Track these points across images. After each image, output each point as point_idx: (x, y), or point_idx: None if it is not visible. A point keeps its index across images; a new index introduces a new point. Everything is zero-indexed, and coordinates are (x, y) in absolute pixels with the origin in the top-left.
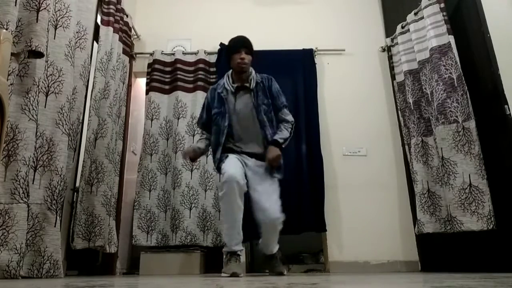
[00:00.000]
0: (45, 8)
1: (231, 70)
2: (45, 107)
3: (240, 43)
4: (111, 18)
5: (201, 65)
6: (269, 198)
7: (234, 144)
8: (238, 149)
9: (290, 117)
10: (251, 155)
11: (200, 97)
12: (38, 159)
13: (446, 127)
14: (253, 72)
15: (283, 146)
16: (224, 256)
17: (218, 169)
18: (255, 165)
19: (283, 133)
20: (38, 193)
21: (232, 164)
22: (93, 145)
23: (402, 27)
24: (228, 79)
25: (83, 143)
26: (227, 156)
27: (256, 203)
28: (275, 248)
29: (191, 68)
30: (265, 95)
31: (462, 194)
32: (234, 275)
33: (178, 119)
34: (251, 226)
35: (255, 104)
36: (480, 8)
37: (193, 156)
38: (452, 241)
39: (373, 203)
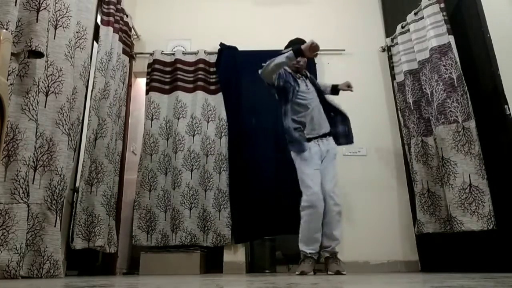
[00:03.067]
0: (45, 8)
1: None
2: (45, 107)
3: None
4: (111, 18)
5: (201, 65)
6: (333, 177)
7: (305, 129)
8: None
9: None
10: (320, 135)
11: (200, 97)
12: (38, 159)
13: (446, 127)
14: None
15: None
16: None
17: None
18: (322, 150)
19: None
20: (38, 193)
21: (316, 179)
22: (93, 145)
23: (402, 27)
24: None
25: (83, 143)
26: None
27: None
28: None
29: (191, 68)
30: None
31: (462, 194)
32: (303, 273)
33: (178, 119)
34: (251, 226)
35: (315, 87)
36: (480, 8)
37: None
38: (452, 241)
39: (373, 203)
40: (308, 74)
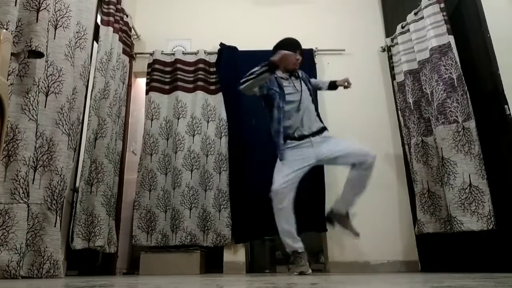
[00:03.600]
0: (45, 8)
1: None
2: (45, 107)
3: (296, 45)
4: (111, 18)
5: (201, 65)
6: (341, 146)
7: (289, 133)
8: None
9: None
10: (309, 134)
11: (200, 97)
12: (38, 159)
13: (446, 127)
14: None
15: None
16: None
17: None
18: (312, 153)
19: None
20: (38, 193)
21: (286, 178)
22: (93, 145)
23: (402, 27)
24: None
25: (83, 143)
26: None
27: (339, 159)
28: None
29: (191, 68)
30: (307, 83)
31: (462, 194)
32: (302, 273)
33: (178, 119)
34: (251, 226)
35: (305, 88)
36: (480, 8)
37: None
38: (452, 241)
39: (373, 203)
40: (301, 74)
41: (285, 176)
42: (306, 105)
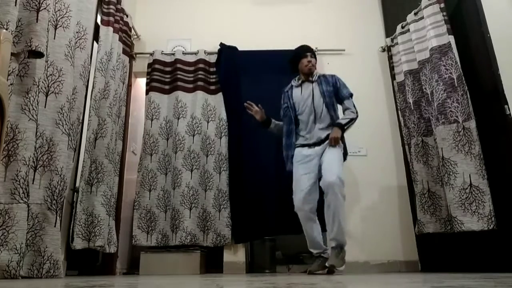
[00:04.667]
0: (45, 8)
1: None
2: (45, 107)
3: (306, 48)
4: (111, 18)
5: (201, 65)
6: (329, 164)
7: (297, 138)
8: (301, 142)
9: (354, 108)
10: (315, 143)
11: (200, 97)
12: (38, 159)
13: (446, 127)
14: (317, 72)
15: (346, 127)
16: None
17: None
18: (318, 151)
19: (346, 118)
20: (38, 193)
21: (300, 183)
22: (93, 145)
23: (402, 27)
24: (296, 78)
25: (83, 143)
26: (297, 163)
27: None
28: (344, 233)
29: (191, 68)
30: (328, 84)
31: (463, 194)
32: (310, 272)
33: (178, 119)
34: (251, 226)
35: (319, 91)
36: (480, 8)
37: (260, 116)
38: (452, 241)
39: (373, 203)
40: (316, 78)
41: (301, 191)
42: (318, 108)
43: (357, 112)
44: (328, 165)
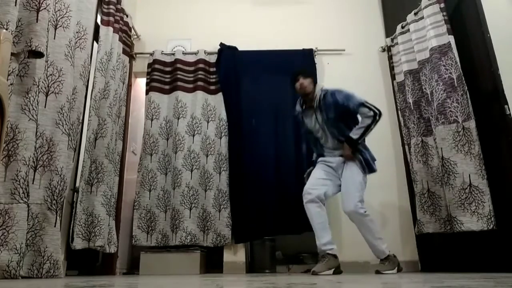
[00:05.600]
0: (45, 8)
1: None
2: (45, 107)
3: (295, 73)
4: (111, 18)
5: (201, 65)
6: (347, 187)
7: (325, 152)
8: (327, 154)
9: (369, 112)
10: (333, 156)
11: (200, 97)
12: (38, 159)
13: (446, 127)
14: (318, 92)
15: (359, 140)
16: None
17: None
18: (340, 162)
19: (357, 130)
20: (38, 193)
21: (312, 178)
22: (93, 145)
23: (402, 27)
24: (298, 102)
25: (83, 143)
26: (317, 164)
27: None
28: (378, 249)
29: (191, 68)
30: (330, 109)
31: (462, 194)
32: (313, 273)
33: (178, 119)
34: (251, 226)
35: (322, 119)
36: (480, 8)
37: None
38: (452, 241)
39: (373, 203)
40: (316, 103)
41: (314, 178)
42: (327, 131)
43: (375, 112)
44: (346, 188)
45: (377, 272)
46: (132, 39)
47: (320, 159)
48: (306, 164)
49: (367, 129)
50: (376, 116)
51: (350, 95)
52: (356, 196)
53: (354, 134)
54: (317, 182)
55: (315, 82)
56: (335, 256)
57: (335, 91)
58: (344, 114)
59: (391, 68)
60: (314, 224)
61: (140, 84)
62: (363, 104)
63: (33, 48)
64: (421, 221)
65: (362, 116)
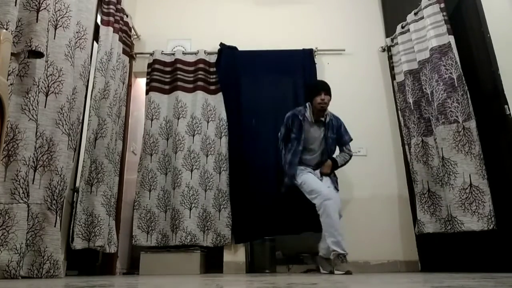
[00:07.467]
0: (45, 8)
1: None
2: (45, 107)
3: (321, 86)
4: (111, 18)
5: (201, 65)
6: (327, 186)
7: (303, 161)
8: (306, 164)
9: (350, 151)
10: (314, 168)
11: (200, 97)
12: (38, 159)
13: (446, 127)
14: (329, 111)
15: (338, 166)
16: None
17: (292, 179)
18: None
19: (342, 157)
20: (38, 193)
21: (319, 183)
22: (93, 145)
23: (402, 27)
24: (308, 109)
25: (83, 143)
26: (303, 171)
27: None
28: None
29: (191, 68)
30: (333, 131)
31: (463, 194)
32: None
33: (178, 119)
34: (251, 226)
35: (325, 136)
36: (480, 8)
37: None
38: (452, 241)
39: (373, 203)
40: (329, 120)
41: (323, 185)
42: (325, 148)
43: (351, 155)
44: (327, 186)
45: (331, 272)
46: (132, 39)
47: (305, 168)
48: None
49: (346, 162)
50: (351, 157)
51: (346, 129)
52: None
53: (340, 159)
54: (327, 186)
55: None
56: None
57: (338, 117)
58: (337, 140)
59: (391, 68)
60: (337, 229)
61: (140, 84)
62: (350, 142)
63: (33, 48)
64: (421, 221)
65: (345, 150)
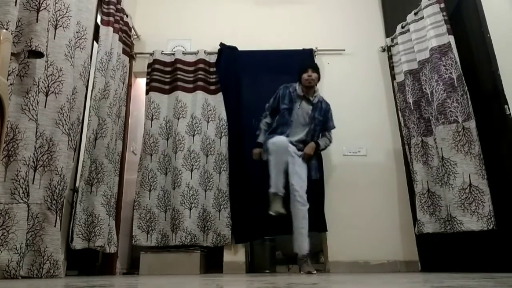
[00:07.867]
0: (45, 8)
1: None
2: (45, 107)
3: (308, 64)
4: (111, 18)
5: (201, 65)
6: (298, 179)
7: (287, 133)
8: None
9: (331, 138)
10: (294, 144)
11: (200, 97)
12: (38, 159)
13: (446, 127)
14: (318, 93)
15: (320, 149)
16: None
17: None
18: (294, 151)
19: (324, 141)
20: (38, 193)
21: (281, 138)
22: (93, 145)
23: (402, 27)
24: (298, 86)
25: (83, 143)
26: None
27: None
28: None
29: (191, 68)
30: (320, 113)
31: (462, 194)
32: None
33: (178, 119)
34: (251, 226)
35: (313, 116)
36: (480, 8)
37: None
38: (452, 241)
39: (373, 203)
40: (317, 100)
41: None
42: (307, 125)
43: (331, 141)
44: (298, 177)
45: (309, 272)
46: (132, 39)
47: (288, 140)
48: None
49: (326, 147)
50: (331, 143)
51: (332, 117)
52: (305, 186)
53: (322, 143)
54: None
55: (319, 80)
56: None
57: (327, 102)
58: (322, 123)
59: (391, 68)
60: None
61: (140, 84)
62: (333, 129)
63: (33, 48)
64: (421, 221)
65: (327, 135)
